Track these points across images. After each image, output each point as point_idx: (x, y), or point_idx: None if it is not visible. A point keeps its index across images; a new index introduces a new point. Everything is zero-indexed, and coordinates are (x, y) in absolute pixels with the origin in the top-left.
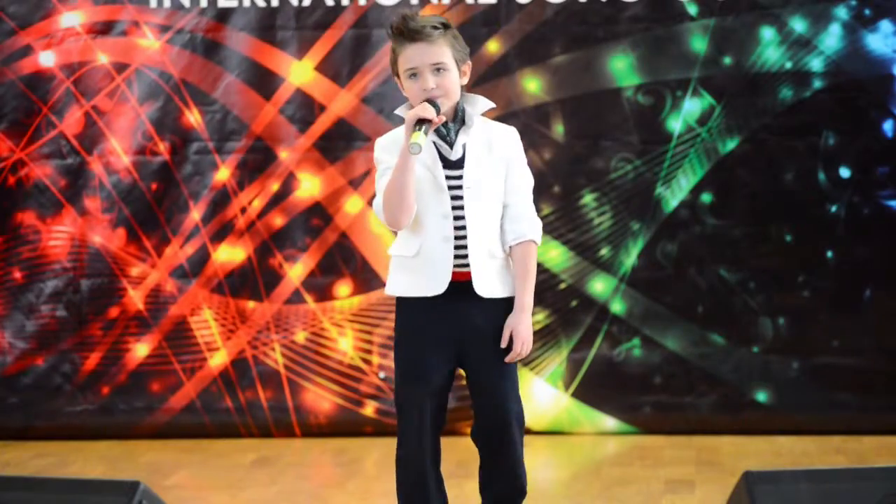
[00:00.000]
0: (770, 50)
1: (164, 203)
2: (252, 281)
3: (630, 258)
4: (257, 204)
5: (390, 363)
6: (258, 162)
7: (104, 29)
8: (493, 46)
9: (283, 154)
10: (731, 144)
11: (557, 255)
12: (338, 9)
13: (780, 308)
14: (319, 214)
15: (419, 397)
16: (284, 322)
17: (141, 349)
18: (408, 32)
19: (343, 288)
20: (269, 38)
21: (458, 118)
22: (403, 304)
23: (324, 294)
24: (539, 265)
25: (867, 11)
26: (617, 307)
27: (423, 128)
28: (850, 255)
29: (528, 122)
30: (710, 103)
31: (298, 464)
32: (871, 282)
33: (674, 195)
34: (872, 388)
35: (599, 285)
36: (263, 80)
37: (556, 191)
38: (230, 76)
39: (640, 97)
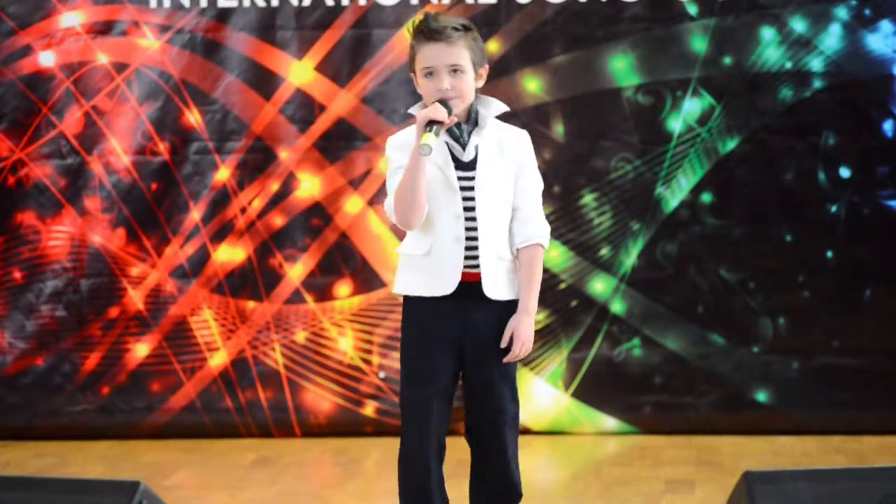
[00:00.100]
0: (770, 50)
1: (164, 203)
2: (252, 281)
3: (630, 258)
4: (257, 204)
5: (390, 363)
6: (258, 162)
7: (104, 29)
8: (493, 46)
9: (283, 154)
10: (731, 144)
11: (557, 255)
12: (338, 9)
13: (780, 308)
14: (319, 214)
15: (425, 397)
16: (284, 322)
17: (141, 349)
18: (428, 31)
19: (343, 288)
20: (269, 38)
21: (472, 120)
22: (411, 302)
23: (324, 294)
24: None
25: (867, 11)
26: (617, 307)
27: (434, 129)
28: (850, 255)
29: (528, 122)
30: (710, 103)
31: (298, 464)
32: (871, 282)
33: (674, 195)
34: (872, 388)
35: (599, 285)
36: (263, 80)
37: (556, 191)
38: (230, 76)
39: (640, 97)
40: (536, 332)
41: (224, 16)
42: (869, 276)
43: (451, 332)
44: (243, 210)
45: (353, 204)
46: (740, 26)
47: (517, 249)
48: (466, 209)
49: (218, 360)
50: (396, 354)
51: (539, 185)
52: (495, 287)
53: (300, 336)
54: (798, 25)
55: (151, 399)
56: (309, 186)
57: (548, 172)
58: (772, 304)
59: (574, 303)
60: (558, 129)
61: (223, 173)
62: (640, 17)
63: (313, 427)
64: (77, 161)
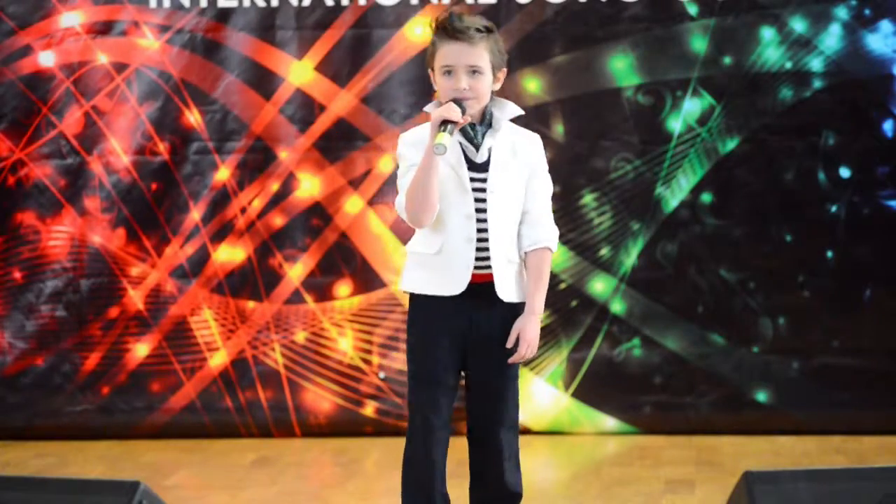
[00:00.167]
0: (770, 50)
1: (164, 203)
2: (252, 281)
3: (630, 258)
4: (257, 204)
5: (390, 363)
6: (258, 162)
7: (104, 29)
8: None
9: (283, 154)
10: (731, 144)
11: (557, 255)
12: (338, 9)
13: (780, 308)
14: (319, 214)
15: (434, 397)
16: (284, 322)
17: (141, 349)
18: (451, 30)
19: (343, 288)
20: (269, 38)
21: (486, 121)
22: (418, 300)
23: (324, 294)
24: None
25: (867, 11)
26: (617, 307)
27: (448, 128)
28: (850, 255)
29: (528, 122)
30: (710, 103)
31: (298, 464)
32: (871, 282)
33: (674, 195)
34: (872, 388)
35: (599, 285)
36: (263, 80)
37: (556, 191)
38: (230, 76)
39: (640, 97)
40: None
41: (224, 16)
42: (869, 276)
43: (456, 331)
44: (243, 210)
45: (353, 204)
46: (740, 26)
47: (525, 252)
48: (478, 210)
49: (218, 360)
50: (396, 354)
51: (549, 188)
52: (507, 289)
53: (300, 336)
54: (798, 25)
55: (151, 399)
56: (309, 186)
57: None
58: (772, 304)
59: (574, 303)
60: (558, 129)
61: (223, 173)
62: (640, 17)
63: (313, 427)
64: (77, 161)
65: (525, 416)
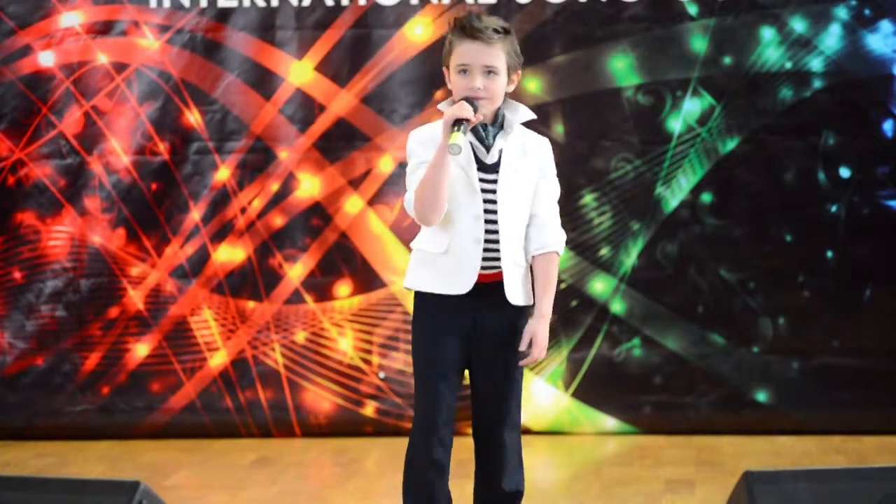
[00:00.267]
0: (770, 50)
1: (164, 203)
2: (252, 281)
3: (630, 258)
4: (257, 204)
5: (390, 363)
6: (258, 162)
7: (104, 29)
8: None
9: (283, 154)
10: (731, 144)
11: None
12: (338, 9)
13: (780, 308)
14: (319, 214)
15: (438, 396)
16: (284, 322)
17: (141, 349)
18: (469, 29)
19: (343, 288)
20: (268, 38)
21: (498, 123)
22: (423, 299)
23: (324, 294)
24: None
25: (867, 11)
26: (617, 307)
27: (462, 128)
28: (850, 255)
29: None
30: (710, 103)
31: (298, 464)
32: (871, 282)
33: (674, 195)
34: (872, 388)
35: (599, 285)
36: (263, 80)
37: None
38: (230, 76)
39: (640, 97)
40: None
41: (224, 16)
42: (869, 276)
43: (461, 331)
44: (243, 210)
45: (352, 204)
46: (740, 26)
47: (533, 256)
48: (486, 211)
49: (218, 360)
50: (396, 354)
51: (557, 192)
52: (514, 291)
53: (300, 336)
54: (798, 25)
55: (151, 399)
56: (309, 186)
57: None
58: (772, 304)
59: (574, 303)
60: (558, 129)
61: (223, 173)
62: (640, 17)
63: (313, 427)
64: (77, 161)
65: (525, 416)
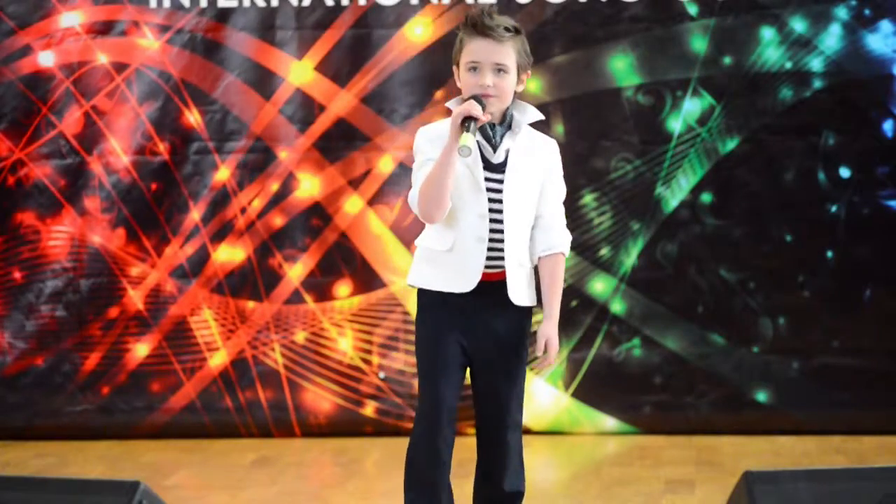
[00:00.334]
0: (770, 50)
1: (164, 203)
2: (252, 281)
3: (630, 258)
4: (257, 204)
5: (390, 363)
6: (258, 162)
7: (104, 29)
8: None
9: (283, 154)
10: (731, 144)
11: None
12: (338, 9)
13: (780, 308)
14: (319, 214)
15: (442, 391)
16: (284, 322)
17: (141, 349)
18: (480, 26)
19: (343, 288)
20: (268, 38)
21: (506, 123)
22: (426, 296)
23: (324, 294)
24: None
25: (867, 11)
26: (617, 307)
27: (471, 127)
28: (850, 255)
29: None
30: (710, 103)
31: (298, 464)
32: (871, 282)
33: (674, 195)
34: (872, 388)
35: (599, 285)
36: (263, 80)
37: None
38: (230, 76)
39: (640, 97)
40: (536, 332)
41: (224, 16)
42: (869, 276)
43: (463, 329)
44: (243, 210)
45: (352, 204)
46: (740, 26)
47: (539, 258)
48: (491, 210)
49: (218, 360)
50: (396, 354)
51: (563, 193)
52: (517, 292)
53: (300, 336)
54: (798, 25)
55: (151, 399)
56: (309, 186)
57: None
58: (772, 304)
59: (574, 303)
60: (558, 129)
61: (223, 173)
62: (640, 17)
63: (313, 427)
64: (77, 161)
65: (525, 416)
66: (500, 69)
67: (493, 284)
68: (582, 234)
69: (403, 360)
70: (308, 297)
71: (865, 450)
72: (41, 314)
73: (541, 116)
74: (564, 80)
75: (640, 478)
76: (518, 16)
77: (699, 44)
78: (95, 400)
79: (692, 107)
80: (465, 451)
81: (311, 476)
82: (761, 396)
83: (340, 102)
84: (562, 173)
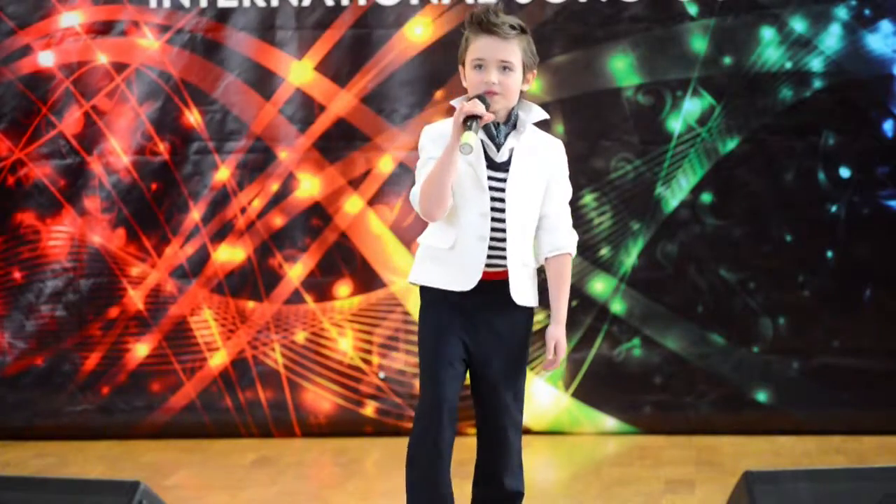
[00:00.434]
0: (770, 50)
1: (164, 203)
2: (252, 281)
3: (630, 258)
4: (257, 204)
5: (390, 363)
6: (258, 162)
7: (104, 29)
8: None
9: (283, 154)
10: (731, 144)
11: None
12: (338, 9)
13: (780, 308)
14: (319, 214)
15: (444, 386)
16: (284, 322)
17: (141, 349)
18: (486, 24)
19: (343, 288)
20: (268, 38)
21: (511, 122)
22: (428, 293)
23: (324, 294)
24: (541, 266)
25: (867, 11)
26: (617, 307)
27: (473, 126)
28: (850, 255)
29: None
30: (710, 103)
31: (298, 464)
32: (871, 282)
33: (674, 195)
34: (872, 388)
35: (599, 285)
36: (263, 80)
37: None
38: (230, 76)
39: (640, 97)
40: (536, 332)
41: (224, 16)
42: (869, 276)
43: (465, 327)
44: (243, 210)
45: (352, 204)
46: (740, 26)
47: (546, 258)
48: (494, 209)
49: (218, 360)
50: (396, 354)
51: (569, 194)
52: (520, 292)
53: (300, 336)
54: (798, 25)
55: (151, 399)
56: (309, 186)
57: None
58: (772, 304)
59: (574, 303)
60: (558, 129)
61: (223, 173)
62: (640, 17)
63: (313, 427)
64: (77, 161)
65: (525, 416)
66: (505, 66)
67: (495, 284)
68: (582, 234)
69: (403, 360)
70: (308, 297)
71: (865, 450)
72: (41, 314)
73: (546, 116)
74: (564, 80)
75: (640, 478)
76: (518, 16)
77: (699, 44)
78: (95, 400)
79: (692, 107)
80: (465, 451)
81: (311, 476)
82: (761, 396)
83: (340, 102)
84: (567, 174)
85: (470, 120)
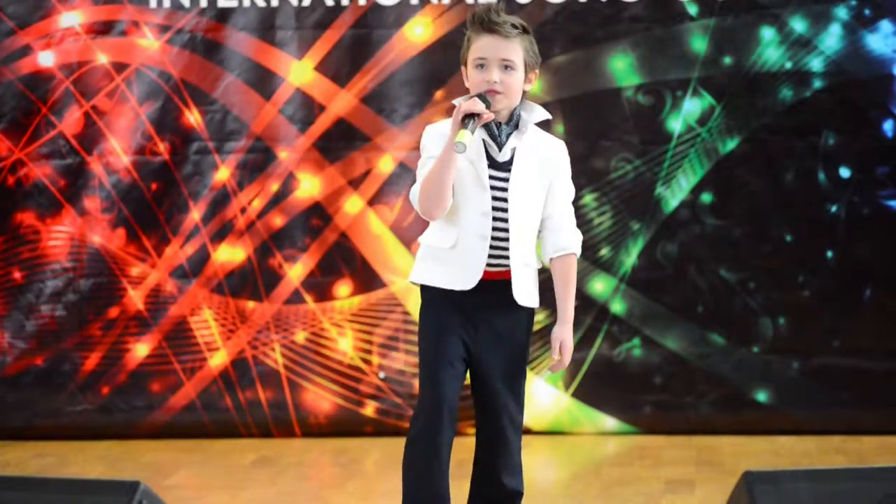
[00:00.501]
0: (770, 50)
1: (164, 203)
2: (252, 281)
3: (630, 258)
4: (257, 204)
5: (390, 363)
6: (258, 162)
7: (104, 29)
8: None
9: (283, 154)
10: (731, 144)
11: None
12: (338, 9)
13: (780, 308)
14: (319, 214)
15: (443, 390)
16: (284, 322)
17: (141, 349)
18: (487, 23)
19: (343, 288)
20: (268, 38)
21: (513, 122)
22: (429, 292)
23: (324, 294)
24: (541, 265)
25: (867, 11)
26: (617, 307)
27: (470, 125)
28: (850, 255)
29: None
30: (710, 103)
31: (298, 464)
32: (871, 282)
33: (674, 195)
34: (872, 388)
35: (599, 285)
36: (263, 80)
37: None
38: (230, 76)
39: (640, 97)
40: (536, 331)
41: (224, 16)
42: (869, 276)
43: (466, 326)
44: (243, 210)
45: (352, 204)
46: (740, 26)
47: (551, 259)
48: (496, 209)
49: (218, 360)
50: (396, 354)
51: (572, 194)
52: (522, 292)
53: (300, 336)
54: (798, 25)
55: (151, 399)
56: (309, 186)
57: None
58: (772, 304)
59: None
60: (558, 129)
61: (223, 173)
62: (640, 17)
63: (313, 427)
64: (77, 161)
65: (525, 416)
66: (507, 65)
67: (496, 283)
68: (582, 234)
69: (403, 360)
70: (308, 297)
71: (865, 450)
72: (41, 314)
73: (548, 116)
74: (564, 80)
75: (640, 478)
76: (518, 16)
77: (699, 44)
78: (95, 400)
79: (692, 107)
80: (465, 451)
81: (311, 476)
82: (761, 396)
83: (340, 102)
84: (570, 174)
85: (468, 118)
